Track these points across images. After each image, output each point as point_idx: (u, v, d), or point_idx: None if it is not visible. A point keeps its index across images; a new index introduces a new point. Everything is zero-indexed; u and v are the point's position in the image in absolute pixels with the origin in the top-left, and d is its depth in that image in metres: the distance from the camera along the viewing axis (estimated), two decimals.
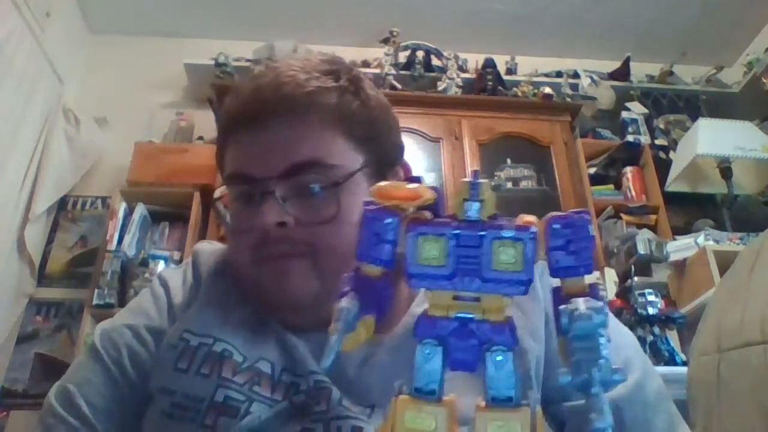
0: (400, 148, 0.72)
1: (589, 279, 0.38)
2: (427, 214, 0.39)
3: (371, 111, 0.67)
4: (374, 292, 0.38)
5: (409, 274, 0.37)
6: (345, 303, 0.37)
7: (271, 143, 0.63)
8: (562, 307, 0.36)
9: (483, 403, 0.37)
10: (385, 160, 0.69)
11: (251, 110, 0.64)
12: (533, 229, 0.37)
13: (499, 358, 0.36)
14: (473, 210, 0.37)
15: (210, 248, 0.76)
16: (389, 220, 0.38)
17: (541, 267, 0.40)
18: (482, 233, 0.36)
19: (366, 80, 0.70)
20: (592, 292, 0.37)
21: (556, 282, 0.38)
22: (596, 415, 0.33)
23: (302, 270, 0.61)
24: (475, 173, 0.37)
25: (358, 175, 0.64)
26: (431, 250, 0.37)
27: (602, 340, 0.34)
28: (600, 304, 0.36)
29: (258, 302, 0.66)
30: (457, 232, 0.37)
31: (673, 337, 2.25)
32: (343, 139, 0.64)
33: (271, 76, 0.65)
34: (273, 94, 0.63)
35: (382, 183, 0.39)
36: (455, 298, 0.37)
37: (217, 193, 0.68)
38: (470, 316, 0.37)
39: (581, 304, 0.35)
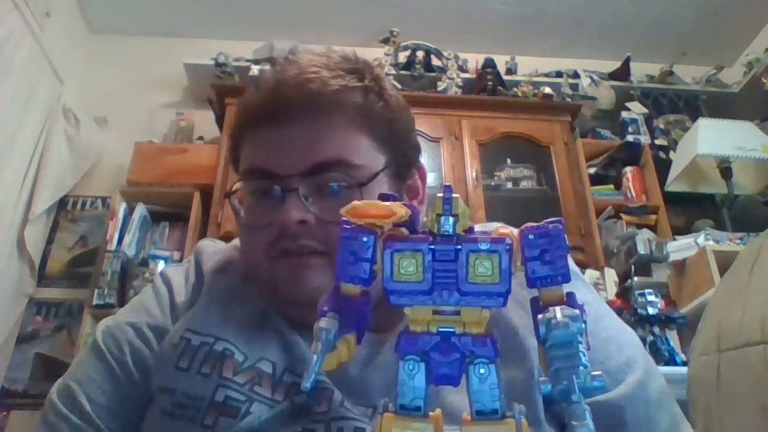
0: (418, 149, 0.72)
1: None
2: (404, 231, 0.39)
3: (393, 112, 0.68)
4: (354, 311, 0.39)
5: (388, 291, 0.38)
6: (324, 323, 0.37)
7: (295, 140, 0.62)
8: (539, 316, 0.36)
9: (468, 417, 0.37)
10: (405, 161, 0.69)
11: (274, 105, 0.63)
12: (508, 241, 0.37)
13: (482, 370, 0.37)
14: (448, 224, 0.37)
15: (212, 247, 0.76)
16: (365, 239, 0.38)
17: None
18: (458, 247, 0.37)
19: (387, 80, 0.70)
20: (569, 300, 0.37)
21: None
22: (577, 423, 0.33)
23: (319, 266, 0.61)
24: (447, 188, 0.38)
25: (380, 175, 0.64)
26: (408, 266, 0.37)
27: (581, 347, 0.35)
28: (576, 311, 0.36)
29: (268, 298, 0.66)
30: (433, 247, 0.37)
31: (673, 337, 2.26)
32: (367, 139, 0.64)
33: (293, 71, 0.64)
34: (298, 91, 0.62)
35: (357, 202, 0.40)
36: (435, 312, 0.38)
37: (233, 188, 0.68)
38: (451, 329, 0.38)
39: (558, 312, 0.36)
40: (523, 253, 0.37)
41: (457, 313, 0.38)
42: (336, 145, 0.62)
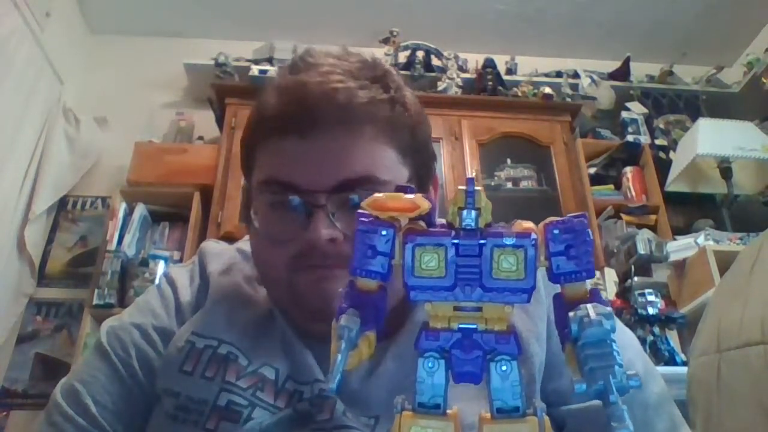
0: (435, 158, 0.71)
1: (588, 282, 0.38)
2: (422, 224, 0.38)
3: (416, 122, 0.66)
4: (372, 307, 0.38)
5: (409, 287, 0.37)
6: (345, 321, 0.36)
7: (323, 155, 0.60)
8: (570, 314, 0.35)
9: (488, 415, 0.36)
10: (425, 171, 0.67)
11: (300, 116, 0.60)
12: (534, 235, 0.36)
13: (504, 367, 0.36)
14: (470, 218, 0.36)
15: (216, 248, 0.76)
16: (384, 232, 0.37)
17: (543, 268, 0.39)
18: (482, 241, 0.36)
19: (405, 86, 0.67)
20: (595, 296, 0.36)
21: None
22: (617, 424, 0.32)
23: (345, 278, 0.60)
24: (470, 180, 0.37)
25: None
26: (430, 261, 0.36)
27: (614, 346, 0.34)
28: (608, 309, 0.35)
29: (284, 309, 0.65)
30: (456, 241, 0.36)
31: (673, 337, 2.26)
32: (394, 152, 0.63)
33: (315, 77, 0.61)
34: (325, 102, 0.59)
35: (378, 194, 0.39)
36: (456, 308, 0.37)
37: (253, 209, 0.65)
38: (473, 326, 0.37)
39: (590, 309, 0.35)
40: (547, 248, 0.36)
41: (479, 309, 0.37)
42: (365, 161, 0.60)
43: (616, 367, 0.33)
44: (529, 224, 0.37)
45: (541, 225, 0.37)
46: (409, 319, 0.64)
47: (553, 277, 0.37)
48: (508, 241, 0.36)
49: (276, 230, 0.62)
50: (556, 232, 0.36)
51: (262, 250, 0.66)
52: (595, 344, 0.34)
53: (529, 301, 0.36)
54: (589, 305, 0.35)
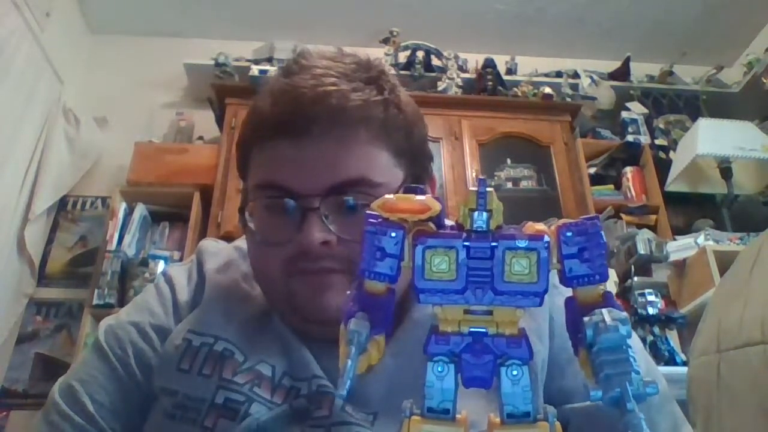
0: (431, 158, 0.70)
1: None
2: (431, 226, 0.38)
3: (410, 123, 0.66)
4: (381, 309, 0.37)
5: (419, 289, 0.36)
6: (355, 325, 0.36)
7: (317, 158, 0.60)
8: (585, 318, 0.34)
9: (497, 420, 0.36)
10: (421, 172, 0.67)
11: (293, 119, 0.60)
12: (546, 238, 0.35)
13: (515, 372, 0.35)
14: (482, 220, 0.35)
15: (214, 246, 0.76)
16: (394, 234, 0.36)
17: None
18: (494, 244, 0.35)
19: (400, 86, 0.67)
20: (608, 300, 0.36)
21: (557, 278, 0.37)
22: None
23: (340, 284, 0.60)
24: (482, 181, 0.36)
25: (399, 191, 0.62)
26: (440, 264, 0.35)
27: (630, 352, 0.33)
28: (624, 314, 0.34)
29: (282, 311, 0.65)
30: (467, 243, 0.35)
31: (673, 337, 2.26)
32: (388, 154, 0.63)
33: (309, 80, 0.61)
34: (318, 105, 0.59)
35: (388, 196, 0.38)
36: (466, 312, 0.36)
37: (249, 209, 0.65)
38: (484, 330, 0.36)
39: (606, 315, 0.34)
40: (560, 251, 0.36)
41: (489, 312, 0.36)
42: (358, 164, 0.60)
43: (633, 374, 0.32)
44: (541, 226, 0.37)
45: (553, 227, 0.37)
46: (407, 317, 0.64)
47: (566, 280, 0.36)
48: (521, 243, 0.35)
49: (271, 233, 0.62)
50: (569, 234, 0.36)
51: (257, 253, 0.66)
52: (610, 350, 0.33)
53: (541, 304, 0.35)
54: (604, 310, 0.34)
